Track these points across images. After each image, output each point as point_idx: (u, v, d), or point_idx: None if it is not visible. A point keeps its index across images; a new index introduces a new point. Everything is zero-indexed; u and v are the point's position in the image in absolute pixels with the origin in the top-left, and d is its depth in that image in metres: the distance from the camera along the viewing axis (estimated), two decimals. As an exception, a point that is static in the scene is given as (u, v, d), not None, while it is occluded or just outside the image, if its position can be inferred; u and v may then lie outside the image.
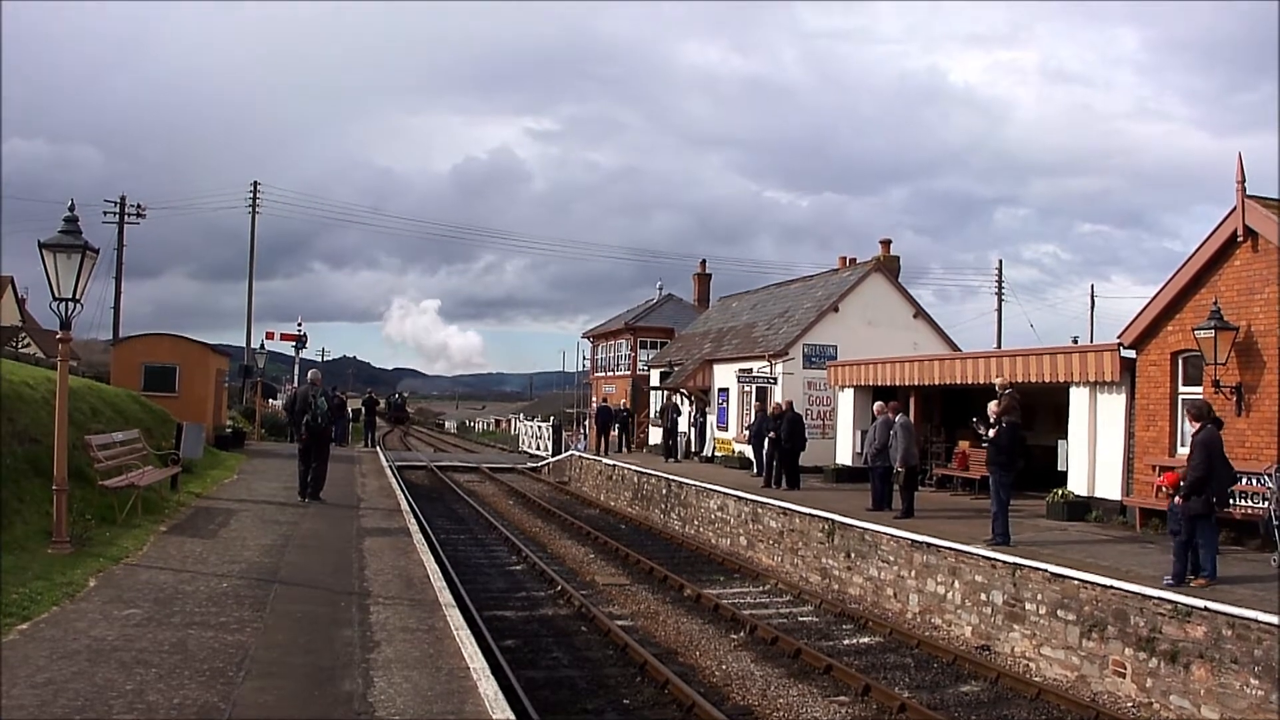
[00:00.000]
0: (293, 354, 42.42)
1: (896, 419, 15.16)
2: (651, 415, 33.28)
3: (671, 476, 21.71)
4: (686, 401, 29.03)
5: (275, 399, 46.57)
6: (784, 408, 19.43)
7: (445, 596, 9.11)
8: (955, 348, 24.76)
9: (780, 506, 16.32)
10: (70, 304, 9.55)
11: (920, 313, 25.46)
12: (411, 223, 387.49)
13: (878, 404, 16.27)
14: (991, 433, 12.38)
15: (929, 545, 12.45)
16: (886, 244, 26.09)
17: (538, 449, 37.37)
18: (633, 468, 24.44)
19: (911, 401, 18.95)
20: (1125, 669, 9.40)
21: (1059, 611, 10.25)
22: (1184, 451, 12.51)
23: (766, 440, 19.53)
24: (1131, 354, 14.23)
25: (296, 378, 39.23)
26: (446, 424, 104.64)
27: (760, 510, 17.04)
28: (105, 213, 38.51)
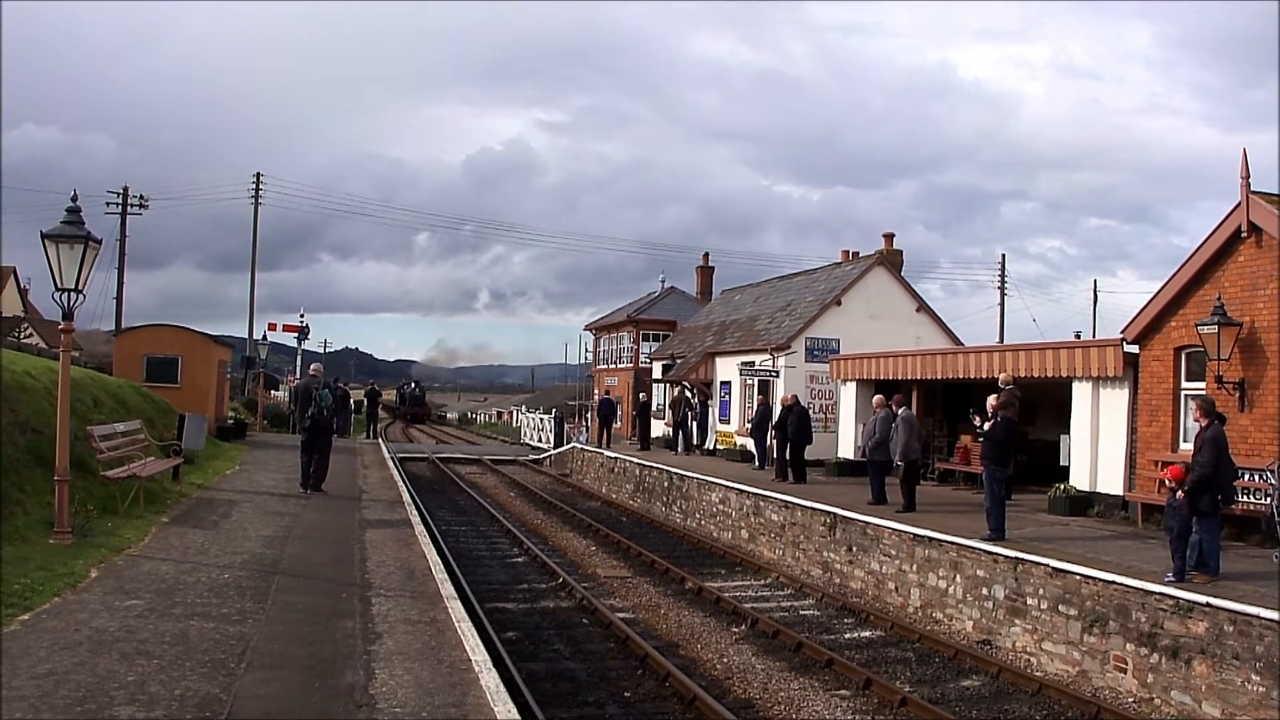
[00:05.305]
0: (295, 345, 42.57)
1: (899, 412, 15.15)
2: (653, 408, 33.21)
3: (673, 469, 21.70)
4: (690, 394, 28.99)
5: (277, 390, 46.65)
6: (789, 401, 19.43)
7: (447, 589, 9.13)
8: (958, 342, 24.72)
9: (782, 500, 16.31)
10: (72, 294, 9.57)
11: (923, 306, 25.41)
12: (419, 215, 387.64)
13: (877, 398, 16.28)
14: (986, 426, 12.40)
15: (931, 539, 12.44)
16: (890, 238, 26.01)
17: (540, 441, 37.35)
18: (635, 460, 24.44)
19: (914, 396, 18.92)
20: (1126, 664, 9.39)
21: (1060, 606, 10.25)
22: (1186, 447, 12.50)
23: (771, 433, 19.46)
24: (1135, 349, 14.19)
25: (299, 369, 39.29)
26: (448, 415, 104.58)
27: (762, 503, 17.03)
28: (108, 204, 38.57)
